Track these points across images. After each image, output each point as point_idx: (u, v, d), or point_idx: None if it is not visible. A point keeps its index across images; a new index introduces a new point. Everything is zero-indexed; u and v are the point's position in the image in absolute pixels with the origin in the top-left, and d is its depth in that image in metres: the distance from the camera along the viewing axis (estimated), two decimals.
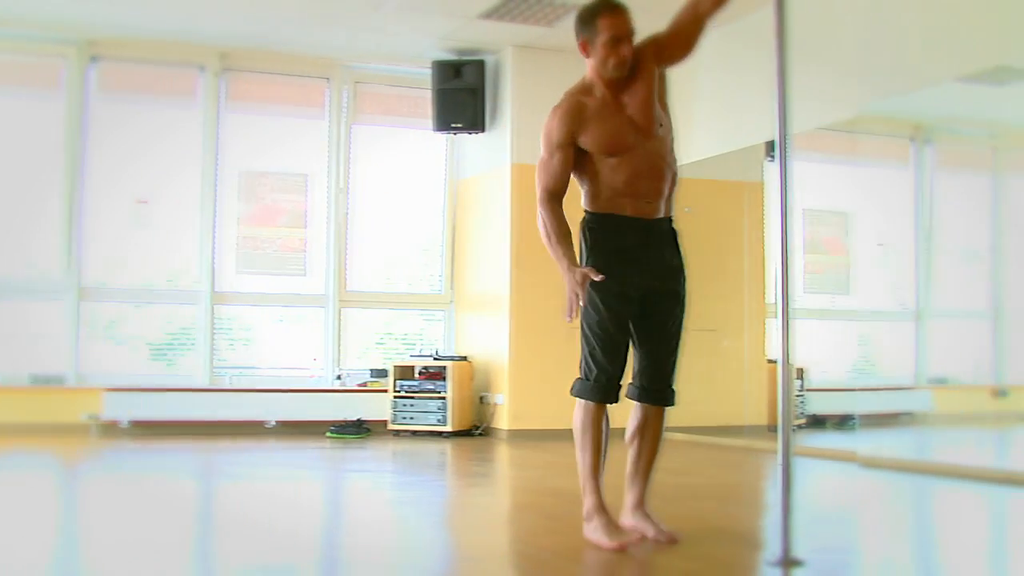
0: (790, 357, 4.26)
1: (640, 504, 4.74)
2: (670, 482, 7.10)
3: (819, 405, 10.77)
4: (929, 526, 5.93)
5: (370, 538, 4.96)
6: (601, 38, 4.44)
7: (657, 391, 4.68)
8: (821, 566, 4.20)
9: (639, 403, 4.72)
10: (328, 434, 9.84)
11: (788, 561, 4.12)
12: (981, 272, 10.62)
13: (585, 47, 4.52)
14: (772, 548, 4.35)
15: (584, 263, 4.50)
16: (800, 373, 10.53)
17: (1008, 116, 9.75)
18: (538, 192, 4.50)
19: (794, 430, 10.25)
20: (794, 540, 4.17)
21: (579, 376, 4.57)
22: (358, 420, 10.03)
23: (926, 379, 10.64)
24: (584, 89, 4.55)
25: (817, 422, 10.70)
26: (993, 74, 8.13)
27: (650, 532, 4.61)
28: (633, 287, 4.51)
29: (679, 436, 9.89)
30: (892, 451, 8.69)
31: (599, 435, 4.53)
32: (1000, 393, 10.18)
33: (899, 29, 7.97)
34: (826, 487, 7.12)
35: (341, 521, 5.84)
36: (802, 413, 10.61)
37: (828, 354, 11.18)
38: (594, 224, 4.54)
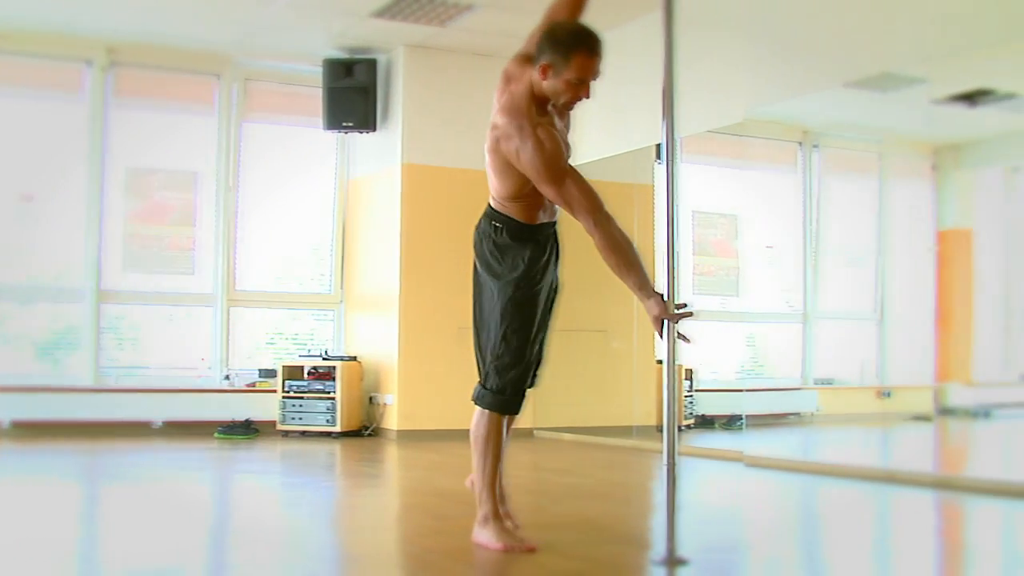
0: (676, 359, 4.28)
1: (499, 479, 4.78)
2: (557, 482, 7.13)
3: (707, 406, 10.87)
4: (812, 524, 6.00)
5: (257, 539, 4.92)
6: (569, 75, 4.23)
7: (537, 375, 4.71)
8: (706, 565, 4.23)
9: None
10: (216, 435, 9.73)
11: (673, 560, 4.15)
12: (867, 275, 10.78)
13: (546, 71, 4.26)
14: (658, 548, 4.38)
15: (522, 271, 4.45)
16: (689, 374, 10.63)
17: (893, 122, 9.91)
18: (596, 214, 4.21)
19: (682, 430, 10.37)
20: (680, 539, 4.20)
21: (485, 387, 4.50)
22: (246, 420, 9.94)
23: (813, 380, 10.78)
24: (540, 106, 4.35)
25: (706, 422, 10.80)
26: (878, 81, 8.27)
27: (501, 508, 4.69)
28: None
29: (567, 436, 9.94)
30: (778, 451, 8.79)
31: (501, 443, 4.52)
32: (884, 394, 10.34)
33: (786, 35, 8.07)
34: (712, 487, 7.18)
35: (228, 523, 5.78)
36: (691, 413, 10.70)
37: (717, 355, 11.29)
38: (527, 234, 4.48)
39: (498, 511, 4.49)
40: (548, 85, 4.30)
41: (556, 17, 4.59)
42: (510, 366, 4.45)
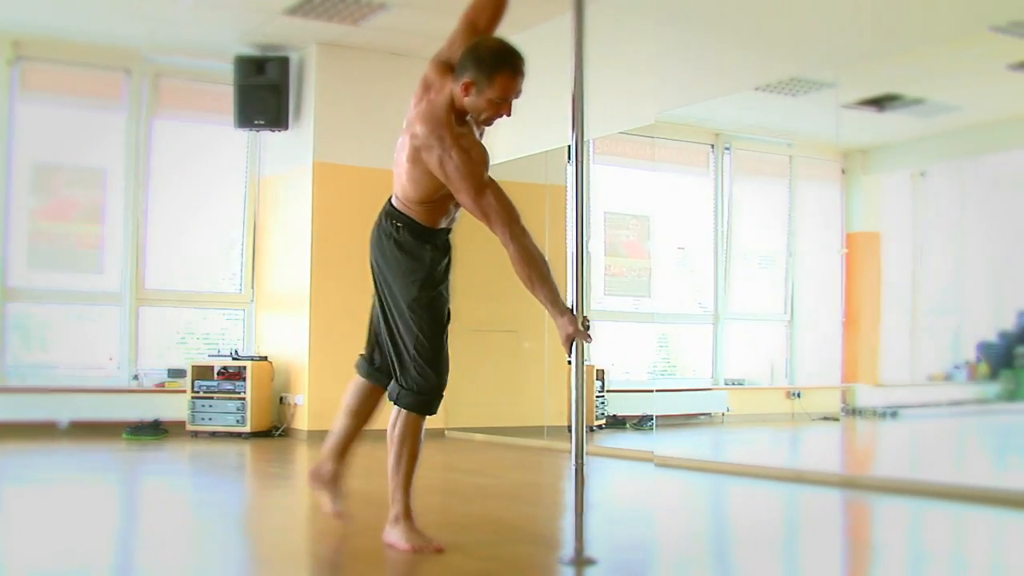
0: (585, 359, 4.29)
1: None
2: (467, 482, 7.12)
3: (619, 406, 10.91)
4: (721, 524, 6.04)
5: (164, 541, 4.87)
6: (491, 93, 4.26)
7: None
8: (614, 565, 4.25)
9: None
10: (124, 435, 9.60)
11: (581, 560, 4.16)
12: (777, 277, 10.90)
13: (468, 88, 4.27)
14: (567, 548, 4.39)
15: (425, 272, 4.44)
16: (600, 374, 10.66)
17: (803, 126, 10.04)
18: (512, 227, 4.22)
19: (593, 431, 10.39)
20: (588, 539, 4.22)
21: (404, 387, 4.47)
22: (155, 421, 9.82)
23: (723, 380, 10.87)
24: (459, 116, 4.35)
25: (617, 422, 10.84)
26: (788, 85, 8.37)
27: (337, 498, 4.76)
28: None
29: (479, 437, 9.93)
30: (688, 451, 8.85)
31: (418, 443, 4.49)
32: (793, 395, 10.47)
33: (698, 38, 8.13)
34: (622, 487, 7.20)
35: (135, 525, 5.71)
36: (602, 414, 10.73)
37: (629, 356, 11.34)
38: (427, 236, 4.47)
39: (410, 511, 4.46)
40: (469, 102, 4.31)
41: (476, 18, 4.59)
42: (427, 365, 4.44)
